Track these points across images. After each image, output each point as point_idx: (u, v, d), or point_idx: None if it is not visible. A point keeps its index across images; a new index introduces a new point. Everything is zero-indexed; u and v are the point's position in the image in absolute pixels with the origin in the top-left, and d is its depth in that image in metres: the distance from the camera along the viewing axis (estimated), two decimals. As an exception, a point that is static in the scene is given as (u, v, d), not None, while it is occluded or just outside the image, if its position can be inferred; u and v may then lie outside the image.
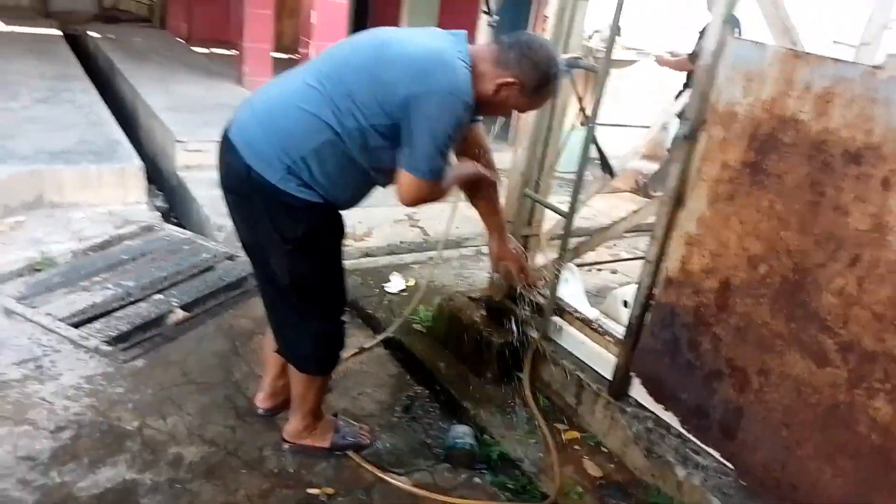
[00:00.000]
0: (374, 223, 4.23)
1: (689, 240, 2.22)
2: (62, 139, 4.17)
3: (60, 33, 7.76)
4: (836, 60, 1.80)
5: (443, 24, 8.14)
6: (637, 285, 2.41)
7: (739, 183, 2.05)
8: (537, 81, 1.88)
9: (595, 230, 2.76)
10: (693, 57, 5.57)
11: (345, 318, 2.18)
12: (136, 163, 4.02)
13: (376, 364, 2.92)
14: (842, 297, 1.83)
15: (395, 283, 3.73)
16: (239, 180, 1.86)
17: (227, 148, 1.87)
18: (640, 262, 2.39)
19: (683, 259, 2.25)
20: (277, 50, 7.43)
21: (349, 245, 3.89)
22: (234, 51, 7.26)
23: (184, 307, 2.98)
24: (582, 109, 2.65)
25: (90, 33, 8.25)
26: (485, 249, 4.42)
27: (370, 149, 1.84)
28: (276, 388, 2.39)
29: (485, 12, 2.63)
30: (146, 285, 3.09)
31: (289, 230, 1.89)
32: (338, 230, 2.03)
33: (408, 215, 4.47)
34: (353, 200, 2.02)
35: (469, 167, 2.13)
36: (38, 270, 3.12)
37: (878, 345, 1.77)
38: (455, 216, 2.91)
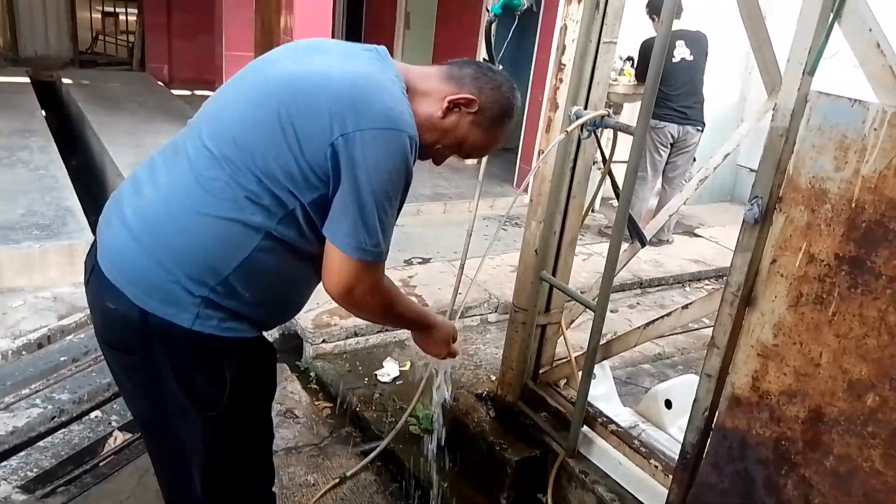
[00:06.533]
0: (364, 293, 3.69)
1: (764, 351, 1.69)
2: (6, 211, 3.66)
3: (28, 81, 7.30)
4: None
5: (439, 47, 7.44)
6: (693, 403, 1.88)
7: (834, 283, 1.52)
8: (499, 108, 1.44)
9: (633, 329, 2.23)
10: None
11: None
12: (88, 237, 3.50)
13: (362, 495, 2.37)
14: None
15: (389, 370, 3.20)
16: (128, 332, 1.28)
17: (102, 286, 1.28)
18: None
19: (756, 375, 1.71)
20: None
21: (335, 324, 3.36)
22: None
23: (126, 426, 2.44)
24: (610, 174, 2.14)
25: (64, 80, 7.81)
26: (491, 318, 3.98)
27: (319, 229, 1.31)
28: None
29: (485, 60, 2.11)
30: (83, 398, 2.55)
31: (210, 389, 1.31)
32: (272, 367, 1.47)
33: (403, 280, 3.94)
34: (302, 304, 1.48)
35: (428, 313, 1.67)
36: (-43, 382, 2.59)
37: None
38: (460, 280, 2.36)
